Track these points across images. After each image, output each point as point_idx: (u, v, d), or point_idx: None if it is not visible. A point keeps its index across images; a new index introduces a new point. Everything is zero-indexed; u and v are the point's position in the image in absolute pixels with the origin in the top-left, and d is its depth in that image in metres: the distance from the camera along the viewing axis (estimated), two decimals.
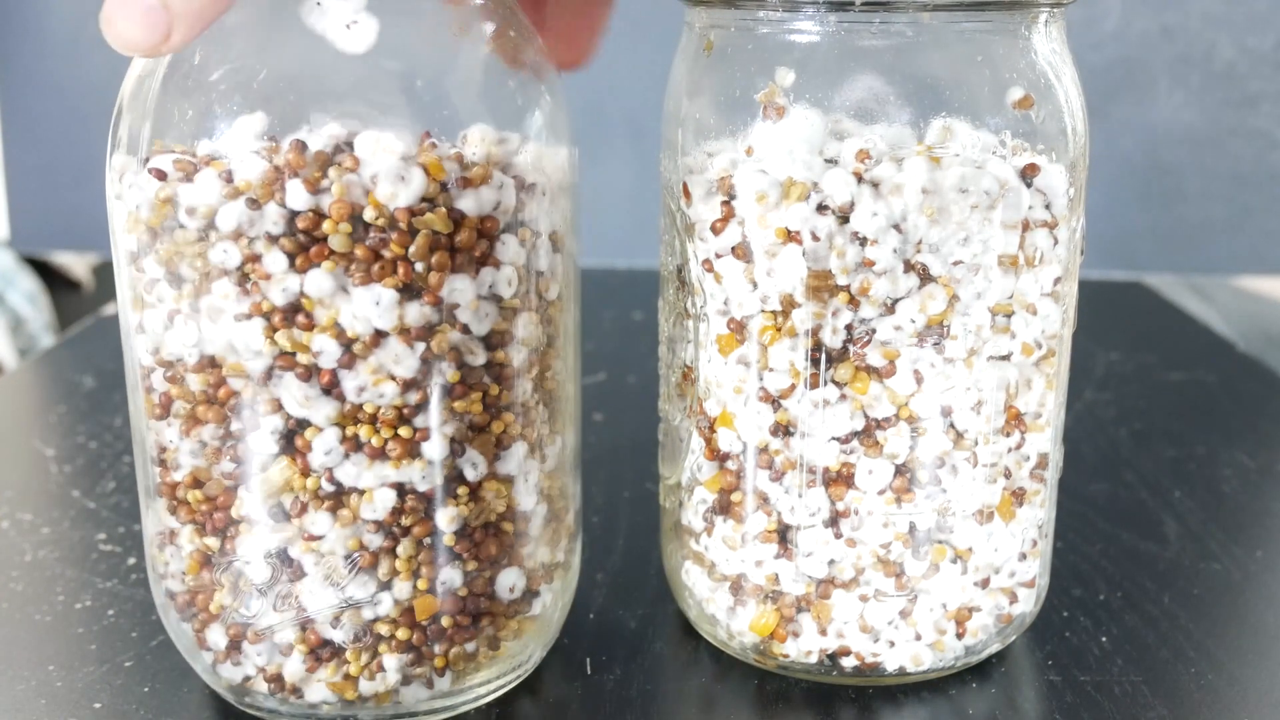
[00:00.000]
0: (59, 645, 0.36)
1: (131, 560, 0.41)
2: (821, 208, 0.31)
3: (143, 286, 0.30)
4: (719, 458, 0.34)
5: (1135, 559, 0.43)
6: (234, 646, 0.32)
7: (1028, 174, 0.31)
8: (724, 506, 0.34)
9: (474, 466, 0.31)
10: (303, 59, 0.29)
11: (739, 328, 0.33)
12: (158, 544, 0.32)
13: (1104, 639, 0.37)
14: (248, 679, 0.32)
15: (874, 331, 0.31)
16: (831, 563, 0.33)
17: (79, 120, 0.84)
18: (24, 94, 0.83)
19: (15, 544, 0.43)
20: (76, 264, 1.26)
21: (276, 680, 0.32)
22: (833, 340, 0.32)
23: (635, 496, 0.47)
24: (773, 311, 0.32)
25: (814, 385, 0.32)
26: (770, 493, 0.33)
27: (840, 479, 0.33)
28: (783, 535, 0.34)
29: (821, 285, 0.31)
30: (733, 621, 0.35)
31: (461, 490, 0.31)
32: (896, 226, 0.30)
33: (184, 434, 0.30)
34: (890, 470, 0.32)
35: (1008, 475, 0.34)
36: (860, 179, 0.30)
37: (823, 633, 0.34)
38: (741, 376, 0.33)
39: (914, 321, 0.31)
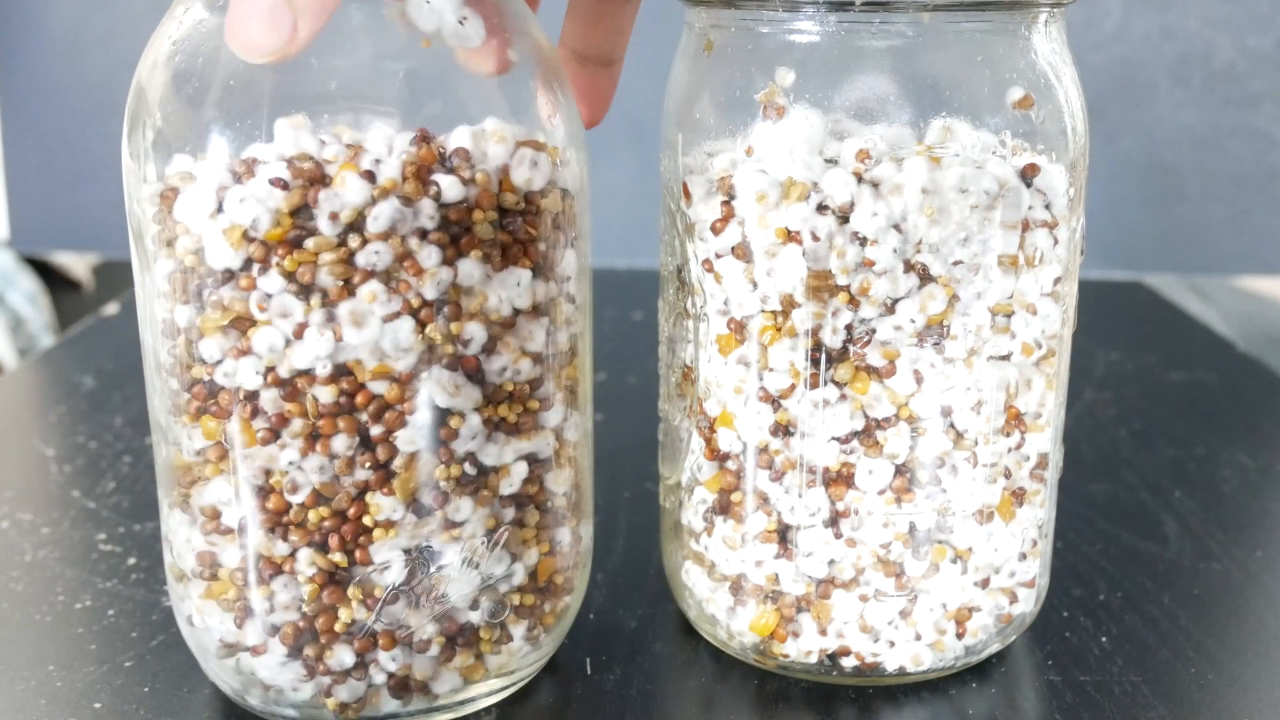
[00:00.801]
0: (59, 645, 0.36)
1: (131, 560, 0.41)
2: (821, 208, 0.31)
3: (254, 304, 0.28)
4: (719, 458, 0.34)
5: (1135, 559, 0.43)
6: (360, 664, 0.31)
7: (1028, 174, 0.31)
8: (724, 506, 0.34)
9: (575, 428, 0.33)
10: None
11: (739, 328, 0.33)
12: (242, 581, 0.30)
13: (1104, 639, 0.38)
14: (357, 699, 0.32)
15: (874, 331, 0.31)
16: (831, 563, 0.33)
17: (79, 120, 0.84)
18: (24, 94, 0.83)
19: (15, 544, 0.43)
20: (76, 264, 1.26)
21: (403, 683, 0.31)
22: (833, 340, 0.32)
23: (635, 496, 0.47)
24: (773, 311, 0.32)
25: (814, 385, 0.32)
26: (770, 493, 0.33)
27: (840, 479, 0.33)
28: (783, 535, 0.34)
29: (821, 285, 0.31)
30: (733, 621, 0.35)
31: (565, 452, 0.33)
32: (896, 226, 0.30)
33: (305, 452, 0.29)
34: (890, 470, 0.32)
35: (1008, 475, 0.34)
36: (860, 179, 0.30)
37: (823, 633, 0.34)
38: (741, 376, 0.33)
39: (914, 321, 0.31)
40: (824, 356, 0.32)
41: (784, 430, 0.33)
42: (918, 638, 0.34)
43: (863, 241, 0.31)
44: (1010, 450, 0.33)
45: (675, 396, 0.36)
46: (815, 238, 0.31)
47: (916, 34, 0.31)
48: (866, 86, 0.31)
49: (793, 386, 0.32)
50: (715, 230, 0.32)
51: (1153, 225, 0.82)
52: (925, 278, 0.31)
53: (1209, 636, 0.38)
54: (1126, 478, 0.49)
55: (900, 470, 0.32)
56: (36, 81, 0.83)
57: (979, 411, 0.32)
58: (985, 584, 0.34)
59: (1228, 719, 0.34)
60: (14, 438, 0.54)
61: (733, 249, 0.32)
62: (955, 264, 0.31)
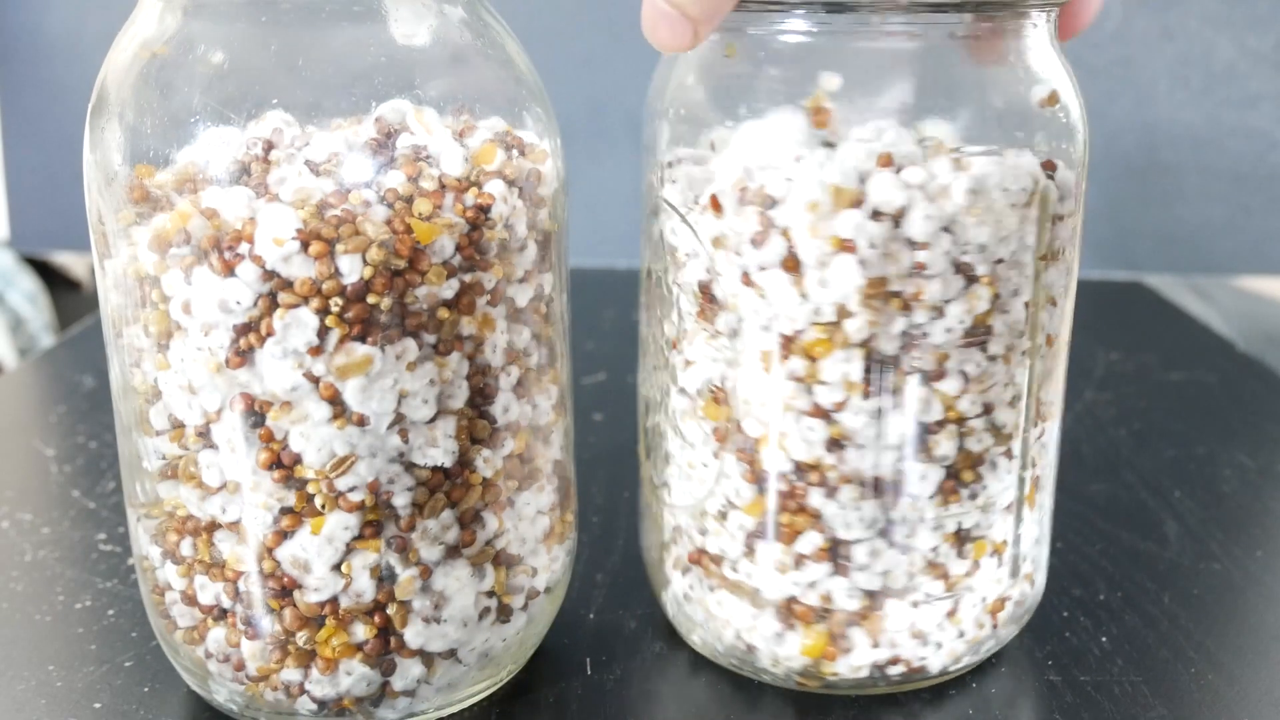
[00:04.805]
0: (59, 645, 0.36)
1: (131, 560, 0.41)
2: (876, 214, 0.30)
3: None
4: (762, 479, 0.33)
5: (1135, 559, 0.43)
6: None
7: (1048, 169, 0.31)
8: (769, 529, 0.33)
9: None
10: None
11: (787, 342, 0.31)
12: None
13: (1104, 639, 0.37)
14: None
15: (926, 335, 0.31)
16: (885, 573, 0.33)
17: (79, 120, 0.84)
18: (24, 94, 0.83)
19: (15, 544, 0.43)
20: (76, 264, 1.26)
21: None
22: (886, 347, 0.31)
23: (635, 497, 0.47)
24: (825, 323, 0.31)
25: (867, 395, 0.31)
26: (824, 509, 0.32)
27: (893, 488, 0.32)
28: (834, 551, 0.33)
29: (876, 293, 0.30)
30: (779, 648, 0.34)
31: None
32: (947, 228, 0.30)
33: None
34: (940, 473, 0.32)
35: (1034, 464, 0.34)
36: (907, 184, 0.30)
37: (875, 645, 0.34)
38: (791, 392, 0.32)
39: (962, 322, 0.31)
40: (877, 365, 0.31)
41: (837, 444, 0.32)
42: (960, 635, 0.34)
43: (914, 245, 0.30)
44: (1035, 440, 0.34)
45: (690, 419, 0.34)
46: (872, 245, 0.30)
47: (932, 35, 0.30)
48: (889, 88, 0.31)
49: (847, 398, 0.31)
50: (756, 243, 0.31)
51: (1153, 225, 0.82)
52: (971, 278, 0.31)
53: (1209, 636, 0.38)
54: (1126, 478, 0.49)
55: (949, 472, 0.32)
56: (36, 81, 0.82)
57: (1014, 406, 0.33)
58: (1015, 573, 0.35)
59: (1228, 719, 0.34)
60: (14, 438, 0.54)
61: (781, 261, 0.31)
62: (997, 262, 0.31)
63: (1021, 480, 0.34)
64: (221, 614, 0.31)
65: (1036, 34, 0.32)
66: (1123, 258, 0.83)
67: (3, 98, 0.84)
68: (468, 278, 0.30)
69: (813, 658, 0.34)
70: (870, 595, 0.33)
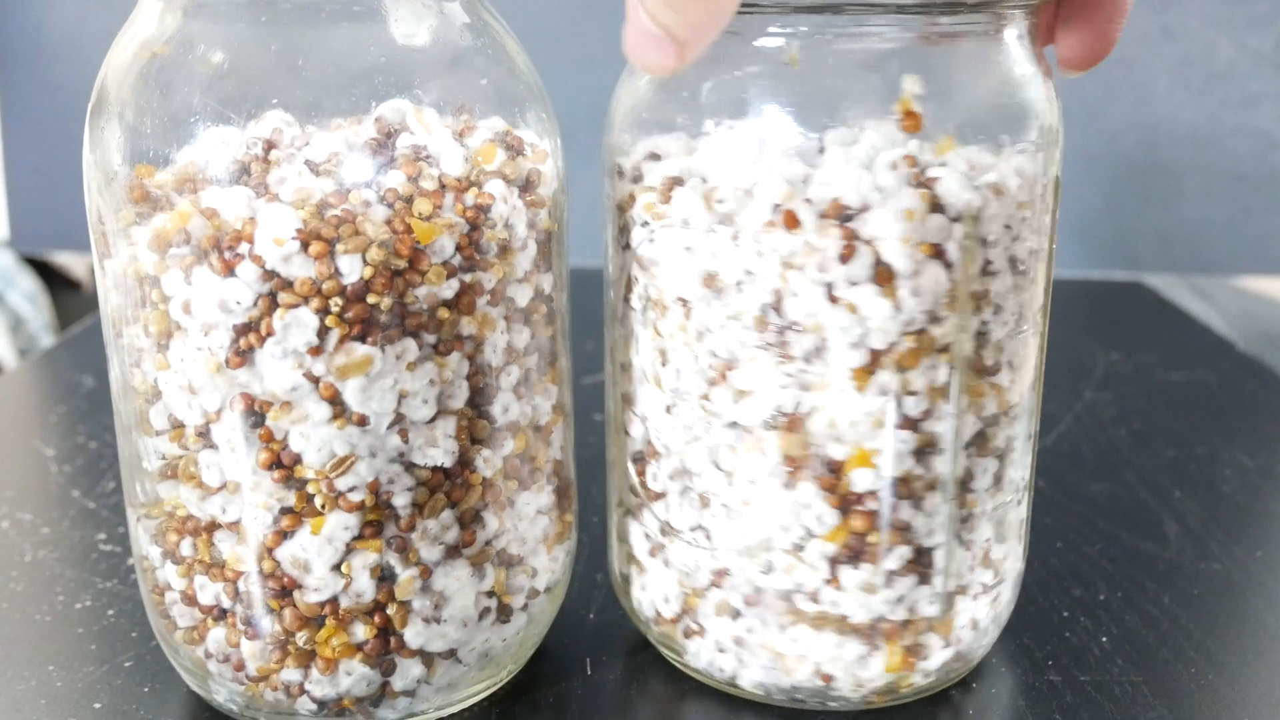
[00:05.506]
0: (59, 645, 0.36)
1: (131, 560, 0.41)
2: (955, 218, 0.30)
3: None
4: (848, 502, 0.32)
5: (1135, 559, 0.43)
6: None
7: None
8: (857, 552, 0.32)
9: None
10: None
11: (877, 356, 0.30)
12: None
13: (1104, 639, 0.37)
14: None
15: (990, 332, 0.31)
16: (958, 573, 0.33)
17: (79, 120, 0.84)
18: (24, 94, 0.83)
19: (15, 544, 0.43)
20: (76, 264, 1.26)
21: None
22: (965, 349, 0.31)
23: None
24: (915, 332, 0.30)
25: (947, 399, 0.31)
26: (912, 521, 0.32)
27: (965, 486, 0.32)
28: (918, 560, 0.32)
29: (959, 295, 0.30)
30: (862, 671, 0.33)
31: None
32: (1007, 226, 0.31)
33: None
34: (995, 464, 0.33)
35: (1029, 438, 0.35)
36: (981, 184, 0.30)
37: (946, 645, 0.34)
38: (879, 407, 0.31)
39: (1016, 316, 0.31)
40: (957, 368, 0.31)
41: (923, 452, 0.31)
42: (995, 620, 0.35)
43: (986, 244, 0.30)
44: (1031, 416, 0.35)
45: (745, 452, 0.32)
46: (959, 249, 0.30)
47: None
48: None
49: (933, 405, 0.31)
50: (845, 258, 0.30)
51: (1153, 225, 0.82)
52: (1018, 271, 0.31)
53: (1209, 636, 0.38)
54: (1126, 478, 0.49)
55: (1001, 463, 0.33)
56: (36, 81, 0.82)
57: (1035, 389, 0.34)
58: (1024, 548, 0.36)
59: (1228, 719, 0.34)
60: (14, 438, 0.54)
61: (873, 274, 0.30)
62: (1032, 253, 0.32)
63: (1033, 459, 0.35)
64: (221, 614, 0.31)
65: (1009, 35, 0.31)
66: (1123, 258, 0.83)
67: (3, 98, 0.84)
68: (468, 278, 0.30)
69: (895, 673, 0.33)
70: (948, 598, 0.33)
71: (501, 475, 0.32)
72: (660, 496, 0.34)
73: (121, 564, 0.41)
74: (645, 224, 0.32)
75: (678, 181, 0.31)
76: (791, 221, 0.29)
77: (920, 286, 0.30)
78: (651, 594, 0.35)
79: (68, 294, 1.24)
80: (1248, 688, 0.35)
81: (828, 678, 0.33)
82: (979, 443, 0.32)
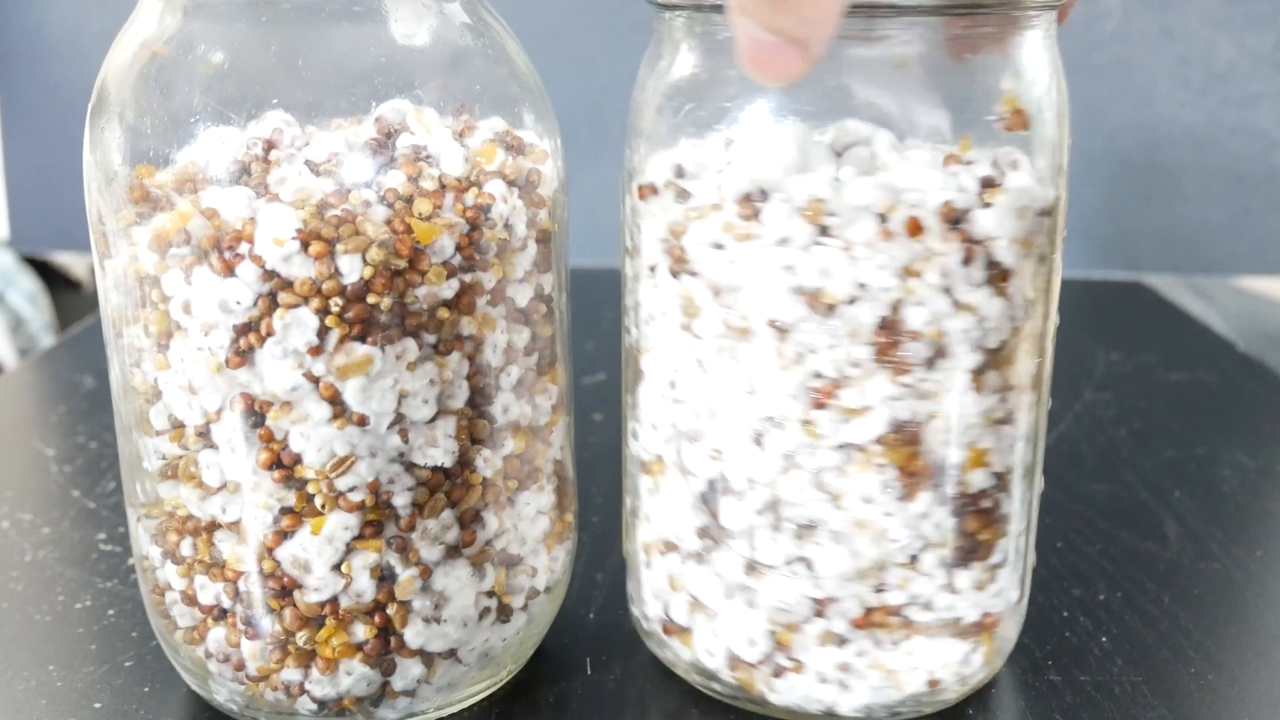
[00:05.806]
0: (59, 645, 0.36)
1: (131, 560, 0.41)
2: (1042, 213, 0.31)
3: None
4: (962, 505, 0.32)
5: (1135, 559, 0.43)
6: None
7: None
8: (968, 552, 0.32)
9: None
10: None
11: (991, 356, 0.31)
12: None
13: (1104, 639, 0.37)
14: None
15: (1048, 320, 0.33)
16: (1028, 556, 0.34)
17: (79, 120, 0.84)
18: (24, 94, 0.83)
19: (15, 544, 0.43)
20: (76, 264, 1.26)
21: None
22: (1045, 340, 0.32)
23: None
24: (1018, 327, 0.31)
25: (1035, 389, 0.32)
26: (1010, 511, 0.33)
27: (1031, 472, 0.34)
28: (1009, 549, 0.33)
29: (1045, 287, 0.31)
30: (966, 669, 0.33)
31: None
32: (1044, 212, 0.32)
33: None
34: (1036, 448, 0.34)
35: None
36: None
37: (1019, 629, 0.35)
38: (993, 405, 0.31)
39: (1050, 305, 0.33)
40: (1040, 359, 0.32)
41: (1021, 443, 0.32)
42: (1022, 594, 0.35)
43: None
44: None
45: (858, 473, 0.31)
46: (1050, 243, 0.31)
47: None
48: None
49: (1026, 397, 0.32)
50: (967, 260, 0.29)
51: (1153, 225, 0.82)
52: (1051, 263, 0.32)
53: (1209, 636, 0.38)
54: (1126, 478, 0.49)
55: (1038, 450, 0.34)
56: (36, 81, 0.82)
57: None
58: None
59: (1228, 719, 0.34)
60: (14, 438, 0.54)
61: (997, 275, 0.30)
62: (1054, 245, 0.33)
63: None
64: (221, 614, 0.31)
65: (1040, 37, 0.31)
66: (1123, 258, 0.83)
67: (3, 98, 0.84)
68: (468, 278, 0.30)
69: (990, 664, 0.34)
70: (1022, 582, 0.34)
71: (501, 475, 0.32)
72: (740, 534, 0.32)
73: (121, 564, 0.41)
74: (719, 246, 0.30)
75: (758, 197, 0.29)
76: (915, 229, 0.29)
77: (1025, 282, 0.30)
78: (728, 640, 0.33)
79: (68, 294, 1.24)
80: (1248, 688, 0.35)
81: (935, 683, 0.33)
82: (1034, 429, 0.33)
